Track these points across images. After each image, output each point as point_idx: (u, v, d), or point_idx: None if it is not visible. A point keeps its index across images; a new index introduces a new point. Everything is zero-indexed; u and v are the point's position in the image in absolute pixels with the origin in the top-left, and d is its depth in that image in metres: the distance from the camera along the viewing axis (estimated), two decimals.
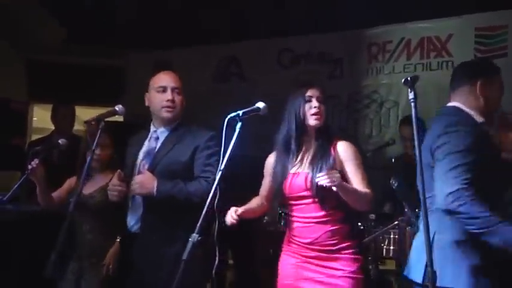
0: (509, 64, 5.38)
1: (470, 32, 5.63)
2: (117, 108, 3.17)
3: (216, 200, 2.67)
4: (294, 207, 3.08)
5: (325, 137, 3.07)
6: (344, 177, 2.93)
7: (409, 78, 2.26)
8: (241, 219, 2.92)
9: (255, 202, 3.23)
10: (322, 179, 2.73)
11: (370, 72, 6.23)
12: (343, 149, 3.02)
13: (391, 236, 3.90)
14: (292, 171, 3.08)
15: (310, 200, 3.01)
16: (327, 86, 6.14)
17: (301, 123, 3.07)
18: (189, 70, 6.81)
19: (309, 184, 2.98)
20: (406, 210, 3.82)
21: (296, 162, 3.09)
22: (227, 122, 2.73)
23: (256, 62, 6.76)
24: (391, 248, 3.91)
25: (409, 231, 3.78)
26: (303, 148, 3.11)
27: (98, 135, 3.06)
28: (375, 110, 6.19)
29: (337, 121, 6.32)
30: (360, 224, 4.10)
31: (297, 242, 3.05)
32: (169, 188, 3.12)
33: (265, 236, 4.84)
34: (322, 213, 2.99)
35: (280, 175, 3.10)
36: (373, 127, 6.20)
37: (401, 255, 3.80)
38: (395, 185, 3.67)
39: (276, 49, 6.73)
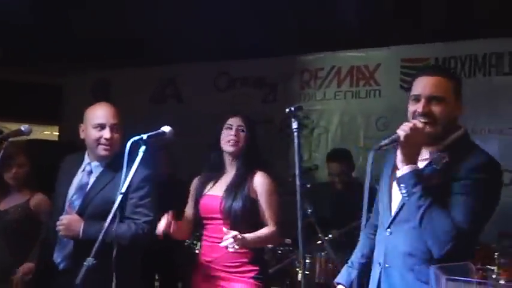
0: None
1: (397, 63, 5.76)
2: (22, 128, 3.02)
3: (115, 224, 2.66)
4: (205, 226, 3.19)
5: (245, 165, 3.17)
6: (258, 205, 3.11)
7: (292, 108, 2.27)
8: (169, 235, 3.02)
9: (184, 222, 3.31)
10: (225, 243, 2.85)
11: (302, 98, 6.29)
12: (259, 181, 3.14)
13: (307, 261, 3.86)
14: (209, 192, 3.21)
15: (219, 222, 3.12)
16: (261, 110, 6.33)
17: (219, 149, 3.23)
18: (127, 91, 6.77)
19: (222, 207, 3.10)
20: (319, 235, 3.81)
21: (214, 184, 3.22)
22: (130, 145, 2.69)
23: (194, 84, 6.77)
24: (306, 273, 3.88)
25: (318, 257, 3.78)
26: (224, 172, 3.23)
27: (1, 154, 2.94)
28: (306, 135, 6.23)
29: (270, 145, 6.32)
30: (277, 249, 4.08)
31: (202, 260, 3.16)
32: (96, 231, 2.84)
33: (190, 258, 4.76)
34: None
35: (197, 194, 3.24)
36: (304, 152, 6.20)
37: (311, 281, 3.78)
38: (309, 211, 3.67)
39: (213, 72, 6.76)
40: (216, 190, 3.18)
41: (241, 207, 3.06)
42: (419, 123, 2.21)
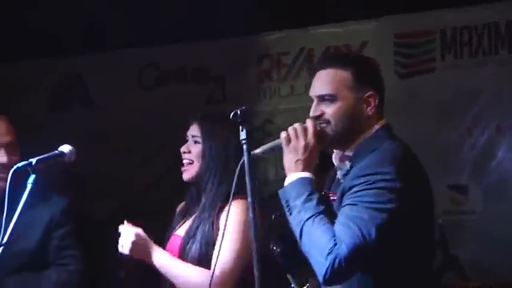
0: (439, 82, 5.59)
1: (389, 40, 5.79)
2: None
3: None
4: None
5: (215, 193, 3.17)
6: None
7: (238, 112, 2.40)
8: None
9: None
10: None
11: (262, 95, 6.27)
12: (229, 212, 3.09)
13: None
14: (177, 231, 3.29)
15: None
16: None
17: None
18: (15, 94, 6.63)
19: (180, 253, 3.16)
20: (292, 286, 3.73)
21: (184, 220, 3.31)
22: (13, 173, 2.69)
23: (109, 82, 6.67)
24: None
25: None
26: (198, 203, 3.27)
27: None
28: None
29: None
30: None
31: None
32: None
33: None
34: None
35: (167, 234, 3.34)
36: (269, 168, 6.14)
37: None
38: (278, 251, 3.58)
39: (136, 64, 6.68)
40: (182, 229, 3.26)
41: (199, 251, 3.10)
42: (309, 122, 2.48)
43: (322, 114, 2.49)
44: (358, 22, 5.95)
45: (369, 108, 2.50)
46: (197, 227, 3.15)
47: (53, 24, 6.25)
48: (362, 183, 2.29)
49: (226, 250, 3.01)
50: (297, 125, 2.47)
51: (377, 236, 2.22)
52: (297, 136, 2.45)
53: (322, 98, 2.50)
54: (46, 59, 6.79)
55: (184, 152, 3.21)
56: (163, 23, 6.23)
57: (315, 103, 2.52)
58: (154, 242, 3.19)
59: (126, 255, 3.06)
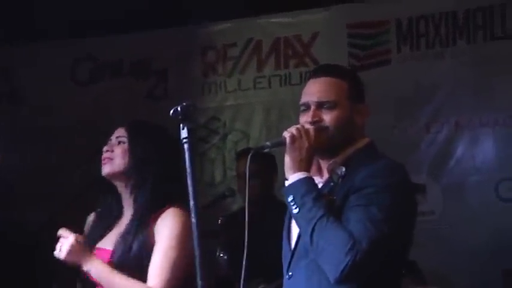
0: (395, 75, 5.67)
1: (342, 31, 5.85)
2: None
3: None
4: None
5: (147, 200, 3.16)
6: None
7: (179, 109, 2.43)
8: None
9: None
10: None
11: (206, 90, 6.30)
12: (162, 221, 3.12)
13: None
14: (99, 244, 3.23)
15: None
16: (145, 111, 6.24)
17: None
18: None
19: (113, 265, 3.11)
20: None
21: (108, 232, 3.27)
22: None
23: (39, 77, 6.61)
24: None
25: None
26: (122, 213, 3.29)
27: None
28: (217, 145, 6.25)
29: None
30: None
31: None
32: None
33: None
34: None
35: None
36: (215, 170, 6.23)
37: None
38: (225, 258, 3.65)
39: (68, 57, 6.66)
40: (108, 241, 3.22)
41: (137, 260, 3.09)
42: (308, 125, 2.66)
43: (321, 120, 2.67)
44: (308, 11, 6.00)
45: (360, 120, 2.74)
46: (132, 238, 3.14)
47: None
48: (372, 186, 2.53)
49: (163, 261, 3.06)
50: (299, 126, 2.64)
51: (390, 233, 2.48)
52: (301, 136, 2.60)
53: (321, 105, 2.68)
54: None
55: (107, 151, 3.24)
56: (98, 11, 6.17)
57: (312, 110, 2.68)
58: None
59: (62, 259, 3.05)
